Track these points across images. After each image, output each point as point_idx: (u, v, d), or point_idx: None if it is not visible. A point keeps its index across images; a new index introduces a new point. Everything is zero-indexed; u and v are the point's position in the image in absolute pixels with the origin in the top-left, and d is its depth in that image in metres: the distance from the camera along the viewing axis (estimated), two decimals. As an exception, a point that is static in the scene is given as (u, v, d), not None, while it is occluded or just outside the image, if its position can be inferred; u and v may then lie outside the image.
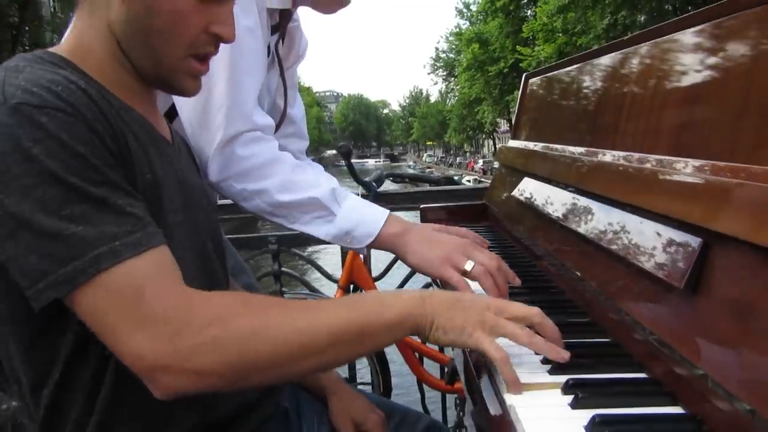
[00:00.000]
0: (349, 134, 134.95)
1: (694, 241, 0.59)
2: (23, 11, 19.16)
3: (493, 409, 0.63)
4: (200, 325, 0.62)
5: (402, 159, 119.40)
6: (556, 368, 0.66)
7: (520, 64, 29.58)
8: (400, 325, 0.69)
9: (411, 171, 73.72)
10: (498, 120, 45.47)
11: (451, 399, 2.22)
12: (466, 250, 0.96)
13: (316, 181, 1.08)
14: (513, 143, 1.59)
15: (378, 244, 1.06)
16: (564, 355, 0.65)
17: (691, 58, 0.77)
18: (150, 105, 0.82)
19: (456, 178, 48.32)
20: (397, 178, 2.34)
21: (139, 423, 0.72)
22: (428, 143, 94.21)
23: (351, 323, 0.67)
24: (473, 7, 41.99)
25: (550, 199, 1.10)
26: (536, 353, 0.69)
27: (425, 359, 2.22)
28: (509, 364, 0.64)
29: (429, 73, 55.76)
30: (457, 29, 45.03)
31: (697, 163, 0.65)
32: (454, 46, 46.18)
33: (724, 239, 0.55)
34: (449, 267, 0.95)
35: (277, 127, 1.25)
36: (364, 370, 2.50)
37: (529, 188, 1.24)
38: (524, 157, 1.40)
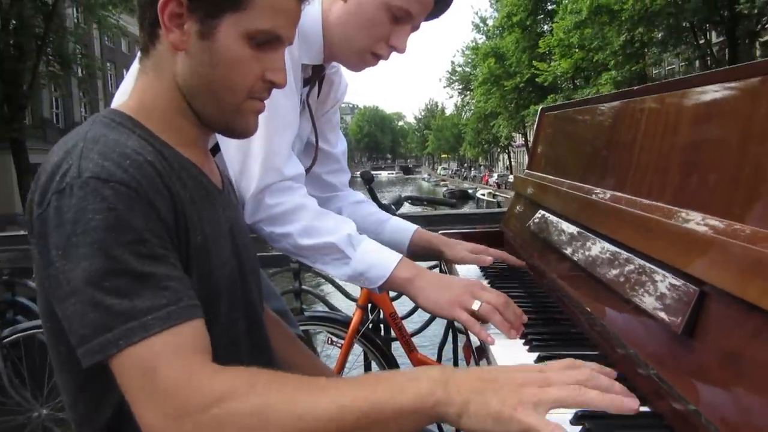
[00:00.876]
0: (364, 146, 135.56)
1: (692, 290, 0.65)
2: (48, 22, 19.59)
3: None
4: (203, 405, 0.64)
5: (416, 171, 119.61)
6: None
7: (536, 79, 29.62)
8: (416, 414, 0.62)
9: (427, 183, 73.61)
10: (513, 134, 45.46)
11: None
12: (473, 291, 1.03)
13: (335, 227, 1.18)
14: (528, 174, 1.66)
15: (389, 285, 1.15)
16: (633, 405, 0.59)
17: (701, 114, 0.84)
18: (204, 151, 0.90)
19: (470, 191, 47.94)
20: (416, 201, 2.42)
21: None
22: (443, 156, 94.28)
23: (356, 410, 0.63)
24: (490, 22, 42.17)
25: (561, 233, 1.17)
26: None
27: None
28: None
29: (445, 87, 55.96)
30: (474, 43, 45.21)
31: (698, 217, 0.72)
32: (470, 60, 46.32)
33: (719, 291, 0.61)
34: (458, 308, 1.03)
35: (312, 164, 1.41)
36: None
37: (543, 221, 1.31)
38: (539, 190, 1.47)
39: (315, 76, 1.34)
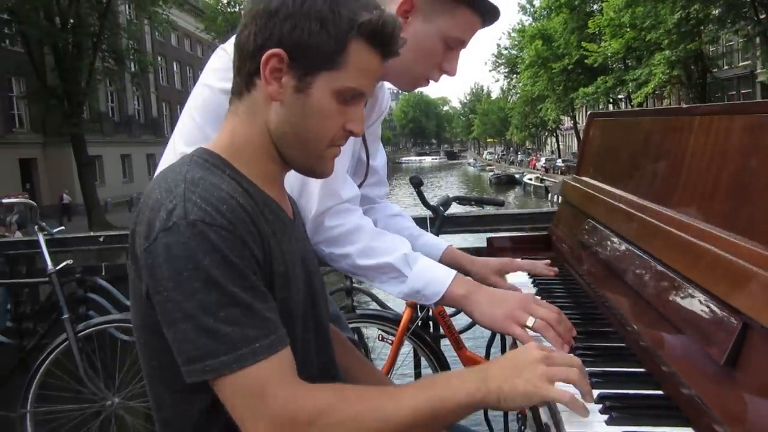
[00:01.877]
0: (408, 131, 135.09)
1: (736, 322, 0.69)
2: (103, 20, 20.30)
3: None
4: (309, 420, 0.77)
5: (462, 156, 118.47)
6: (613, 419, 0.77)
7: (585, 61, 28.80)
8: (469, 406, 0.80)
9: (472, 168, 72.78)
10: (561, 117, 44.46)
11: (512, 414, 2.31)
12: (527, 306, 1.07)
13: (392, 247, 1.24)
14: (577, 180, 1.68)
15: (445, 301, 1.21)
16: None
17: (762, 142, 0.84)
18: (281, 187, 0.98)
19: (517, 176, 47.10)
20: (464, 201, 2.46)
21: None
22: (489, 140, 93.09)
23: (427, 408, 0.79)
24: (536, 3, 41.21)
25: (608, 247, 1.19)
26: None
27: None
28: (576, 400, 0.76)
29: (490, 70, 55.40)
30: (520, 26, 44.29)
31: (747, 248, 0.74)
32: (516, 43, 45.39)
33: (761, 326, 0.64)
34: (512, 323, 1.07)
35: (364, 179, 1.48)
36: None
37: (591, 232, 1.34)
38: (587, 200, 1.49)
39: None
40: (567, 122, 49.09)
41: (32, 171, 24.94)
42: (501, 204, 2.55)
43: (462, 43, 1.28)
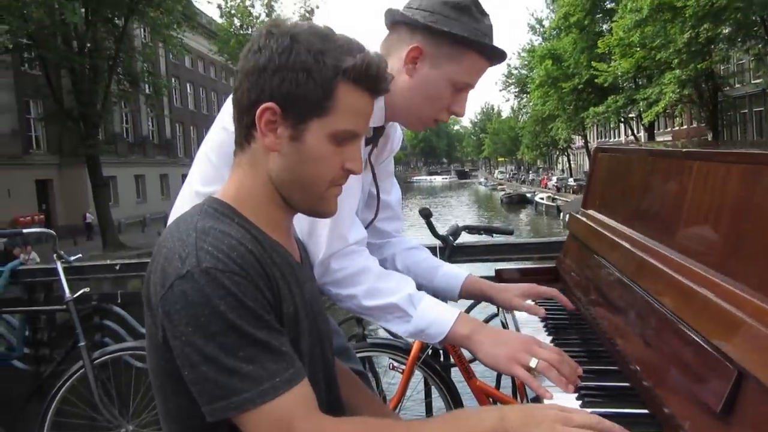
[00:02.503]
0: (419, 150, 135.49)
1: (732, 371, 0.71)
2: (119, 44, 20.71)
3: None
4: None
5: (473, 175, 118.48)
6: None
7: (596, 80, 28.82)
8: None
9: (483, 187, 72.69)
10: (572, 136, 44.40)
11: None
12: (530, 348, 1.09)
13: (397, 287, 1.28)
14: (583, 214, 1.71)
15: (449, 341, 1.24)
16: None
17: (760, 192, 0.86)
18: (287, 231, 1.02)
19: (528, 195, 46.96)
20: (473, 230, 2.49)
21: None
22: (500, 159, 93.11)
23: None
24: (546, 23, 41.46)
25: (613, 285, 1.22)
26: None
27: (499, 404, 2.33)
28: None
29: (501, 90, 55.59)
30: (530, 45, 44.52)
31: (745, 298, 0.77)
32: (526, 63, 45.57)
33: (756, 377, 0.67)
34: (515, 365, 1.09)
35: (375, 216, 1.52)
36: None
37: (595, 267, 1.37)
38: (591, 235, 1.52)
39: (376, 136, 1.45)
40: (578, 141, 49.03)
41: (48, 192, 25.33)
42: (510, 233, 2.57)
43: (469, 86, 1.33)
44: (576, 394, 1.01)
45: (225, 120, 1.33)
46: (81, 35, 19.47)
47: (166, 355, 0.86)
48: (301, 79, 0.87)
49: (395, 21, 1.34)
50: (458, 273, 1.53)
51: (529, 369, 1.07)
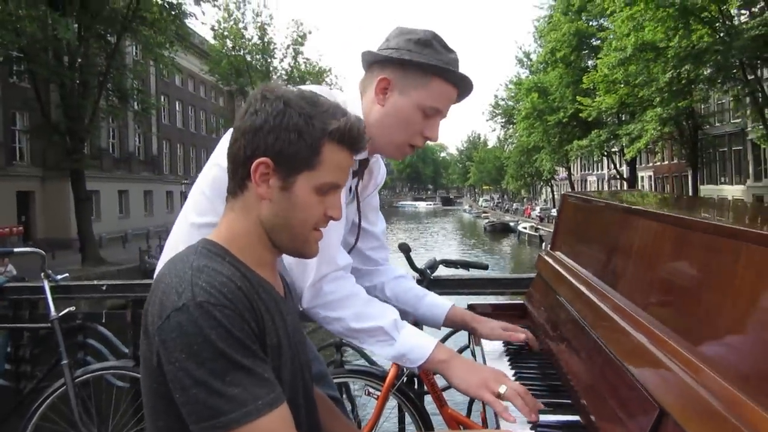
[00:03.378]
0: (406, 176, 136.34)
1: (654, 409, 0.82)
2: (110, 60, 20.77)
3: None
4: None
5: (457, 202, 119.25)
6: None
7: (580, 114, 29.44)
8: None
9: (468, 215, 73.02)
10: (556, 167, 45.09)
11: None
12: (498, 378, 1.21)
13: (382, 313, 1.38)
14: (550, 255, 1.83)
15: (428, 366, 1.34)
16: None
17: (704, 256, 0.95)
18: (273, 269, 1.13)
19: (512, 224, 47.22)
20: (450, 264, 2.60)
21: None
22: (485, 188, 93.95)
23: None
24: (533, 57, 42.35)
25: (569, 324, 1.33)
26: None
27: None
28: None
29: (487, 120, 56.28)
30: (517, 78, 45.38)
31: (670, 345, 0.88)
32: (513, 95, 46.41)
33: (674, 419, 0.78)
34: (485, 390, 1.21)
35: (356, 241, 1.64)
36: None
37: (556, 308, 1.48)
38: (555, 277, 1.64)
39: (362, 168, 1.57)
40: (562, 172, 49.80)
41: (29, 204, 25.07)
42: (485, 268, 2.68)
43: (439, 112, 1.46)
44: (530, 425, 1.12)
45: (218, 157, 1.44)
46: (73, 51, 19.49)
47: (159, 378, 0.96)
48: (293, 138, 0.99)
49: (368, 62, 1.48)
50: (443, 303, 1.65)
51: (498, 396, 1.18)
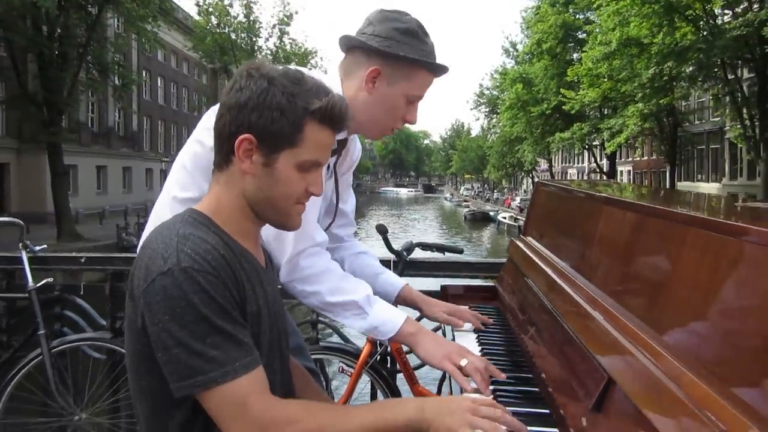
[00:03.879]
0: (388, 162, 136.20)
1: (603, 377, 0.89)
2: (91, 32, 20.34)
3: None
4: (280, 425, 0.97)
5: (439, 190, 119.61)
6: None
7: (563, 107, 29.64)
8: (407, 428, 1.01)
9: (449, 203, 73.39)
10: (538, 159, 45.45)
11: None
12: (461, 352, 1.29)
13: (356, 288, 1.45)
14: (521, 240, 1.90)
15: (397, 338, 1.41)
16: None
17: (659, 240, 1.03)
18: (256, 240, 1.18)
19: (492, 214, 47.50)
20: (426, 247, 2.67)
21: None
22: (466, 176, 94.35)
23: (372, 427, 1.00)
24: (519, 48, 42.43)
25: (534, 304, 1.40)
26: None
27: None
28: None
29: (472, 109, 56.55)
30: (503, 68, 45.47)
31: (621, 321, 0.95)
32: (498, 84, 46.48)
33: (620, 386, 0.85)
34: (448, 362, 1.28)
35: (332, 221, 1.69)
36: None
37: (524, 289, 1.55)
38: (524, 260, 1.71)
39: (340, 147, 1.62)
40: (543, 164, 50.22)
41: (3, 176, 24.59)
42: (460, 252, 2.76)
43: (419, 98, 1.54)
44: (492, 396, 1.19)
45: (200, 134, 1.48)
46: (52, 20, 19.05)
47: (143, 340, 1.00)
48: (276, 116, 1.03)
49: (351, 46, 1.52)
50: (396, 282, 1.71)
51: (459, 368, 1.25)
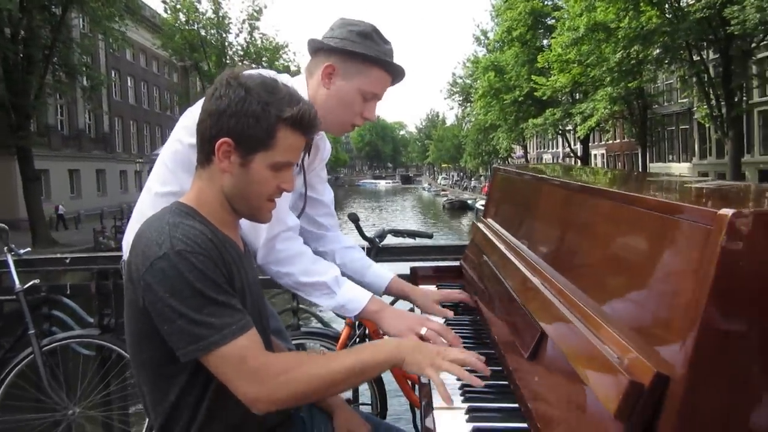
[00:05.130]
0: (365, 154, 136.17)
1: (537, 331, 1.05)
2: (56, 33, 20.00)
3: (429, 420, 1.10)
4: (276, 375, 1.12)
5: (416, 180, 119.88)
6: (466, 399, 1.12)
7: (535, 93, 30.00)
8: (384, 364, 1.21)
9: (427, 193, 73.59)
10: (513, 146, 45.91)
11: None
12: (422, 321, 1.45)
13: (326, 270, 1.60)
14: (481, 221, 2.06)
15: (363, 315, 1.57)
16: (478, 382, 1.13)
17: (578, 213, 1.22)
18: (235, 229, 1.32)
19: (470, 202, 47.69)
20: (397, 233, 2.82)
21: (221, 426, 1.21)
22: (443, 166, 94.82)
23: (356, 367, 1.17)
24: (491, 35, 42.72)
25: (491, 278, 1.57)
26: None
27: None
28: (444, 387, 1.14)
29: (446, 98, 56.58)
30: (474, 56, 45.74)
31: (554, 283, 1.11)
32: (470, 73, 46.78)
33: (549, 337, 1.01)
34: (410, 332, 1.43)
35: (303, 207, 1.81)
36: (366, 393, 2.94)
37: (483, 267, 1.71)
38: (483, 240, 1.87)
39: (308, 145, 1.75)
40: (518, 151, 50.75)
41: (-27, 183, 24.14)
42: (430, 237, 2.91)
43: (376, 96, 1.67)
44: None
45: (180, 134, 1.60)
46: (15, 22, 18.69)
47: (143, 318, 1.14)
48: (251, 123, 1.17)
49: (314, 48, 1.66)
50: (385, 274, 1.85)
51: (420, 337, 1.41)
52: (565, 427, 0.88)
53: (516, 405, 1.09)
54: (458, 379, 1.19)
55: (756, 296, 0.63)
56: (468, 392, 1.17)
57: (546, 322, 1.03)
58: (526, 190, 1.60)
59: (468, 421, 1.04)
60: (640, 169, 31.51)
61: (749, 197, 0.95)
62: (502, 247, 1.60)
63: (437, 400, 1.12)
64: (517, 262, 1.39)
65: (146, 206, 1.58)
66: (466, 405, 1.11)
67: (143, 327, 1.16)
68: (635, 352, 0.76)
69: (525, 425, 1.01)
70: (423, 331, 1.42)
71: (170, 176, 1.58)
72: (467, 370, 1.15)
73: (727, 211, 0.64)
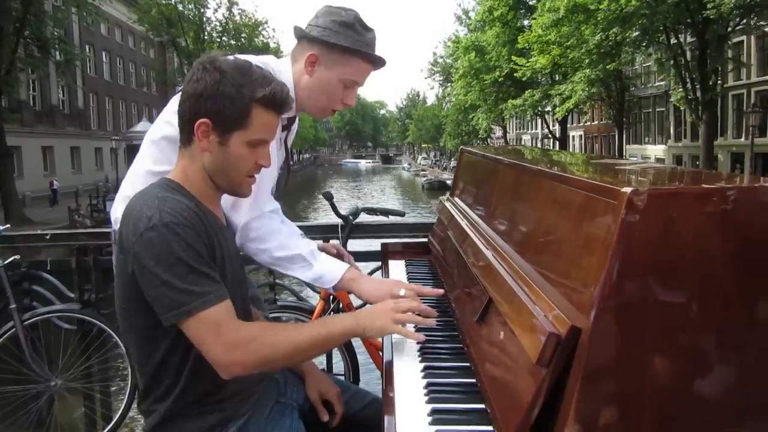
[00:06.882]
0: (345, 134, 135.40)
1: (486, 297, 1.17)
2: (27, 5, 19.47)
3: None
4: (246, 341, 1.23)
5: (397, 160, 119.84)
6: (422, 359, 1.24)
7: (515, 74, 30.14)
8: (346, 334, 1.34)
9: (407, 173, 73.61)
10: (492, 126, 46.12)
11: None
12: (399, 285, 1.54)
13: (302, 244, 1.69)
14: (448, 200, 2.18)
15: (341, 285, 1.66)
16: (430, 322, 1.34)
17: (538, 194, 1.32)
18: (218, 204, 1.42)
19: (449, 182, 48.03)
20: (371, 211, 2.92)
21: (203, 387, 1.32)
22: (424, 146, 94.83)
23: (320, 336, 1.30)
24: (472, 15, 42.60)
25: (452, 251, 1.69)
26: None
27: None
28: (410, 332, 1.33)
29: (426, 78, 56.44)
30: (455, 36, 45.58)
31: (504, 256, 1.23)
32: (451, 53, 46.67)
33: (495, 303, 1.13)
34: (389, 297, 1.52)
35: (286, 183, 1.91)
36: (339, 363, 3.07)
37: (446, 242, 1.83)
38: (448, 217, 1.99)
39: (290, 123, 1.85)
40: (498, 131, 50.99)
41: (-57, 160, 23.56)
42: (402, 215, 3.03)
43: (357, 83, 1.76)
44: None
45: (169, 117, 1.68)
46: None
47: (131, 284, 1.24)
48: (227, 104, 1.26)
49: (299, 36, 1.75)
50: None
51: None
52: (503, 379, 1.00)
53: (468, 363, 1.22)
54: (418, 343, 1.32)
55: (649, 261, 0.76)
56: (426, 353, 1.29)
57: (492, 288, 1.15)
58: (484, 170, 1.72)
59: (424, 377, 1.16)
60: (616, 151, 32.02)
61: (661, 179, 1.08)
62: (463, 223, 1.72)
63: (397, 363, 1.24)
64: (474, 237, 1.51)
65: (139, 182, 1.64)
66: (422, 364, 1.24)
67: (131, 293, 1.26)
68: (558, 310, 0.89)
69: (474, 380, 1.14)
70: (402, 292, 1.50)
71: (161, 155, 1.66)
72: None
73: (627, 189, 0.75)
